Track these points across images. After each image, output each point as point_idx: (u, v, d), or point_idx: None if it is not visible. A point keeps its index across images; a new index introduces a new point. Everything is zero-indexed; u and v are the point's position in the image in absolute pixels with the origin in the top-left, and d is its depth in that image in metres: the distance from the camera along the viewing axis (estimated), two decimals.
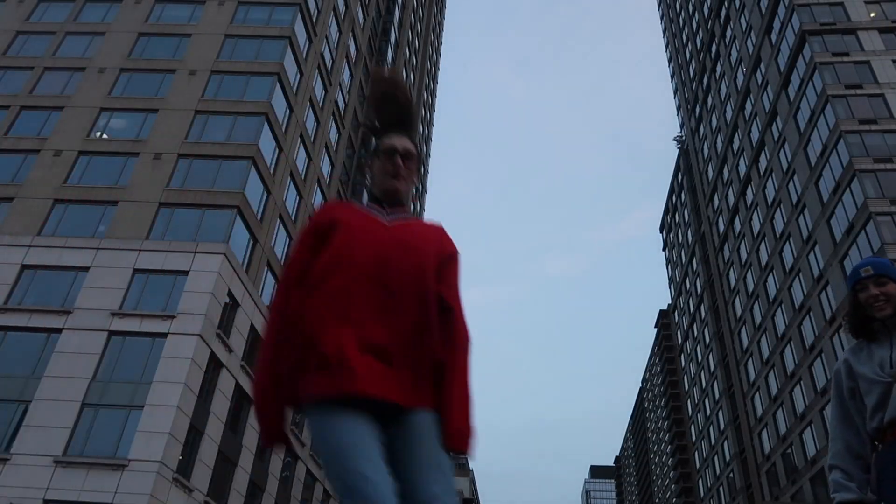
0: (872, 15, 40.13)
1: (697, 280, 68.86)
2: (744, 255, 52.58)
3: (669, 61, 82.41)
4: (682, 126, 76.67)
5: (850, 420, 2.59)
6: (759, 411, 48.45)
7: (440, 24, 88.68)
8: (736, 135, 54.21)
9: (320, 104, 37.99)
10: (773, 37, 44.92)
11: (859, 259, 32.87)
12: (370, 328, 1.93)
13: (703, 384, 66.67)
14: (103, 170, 28.28)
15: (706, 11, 63.39)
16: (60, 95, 31.05)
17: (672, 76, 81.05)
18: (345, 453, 1.74)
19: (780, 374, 44.08)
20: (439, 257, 2.15)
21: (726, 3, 56.30)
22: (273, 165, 30.75)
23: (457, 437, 1.90)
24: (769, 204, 46.18)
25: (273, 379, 1.98)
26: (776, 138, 44.71)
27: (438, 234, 2.25)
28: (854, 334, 2.66)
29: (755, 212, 49.52)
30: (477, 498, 69.67)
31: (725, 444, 57.90)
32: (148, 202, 27.09)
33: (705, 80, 63.94)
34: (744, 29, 51.51)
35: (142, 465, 20.13)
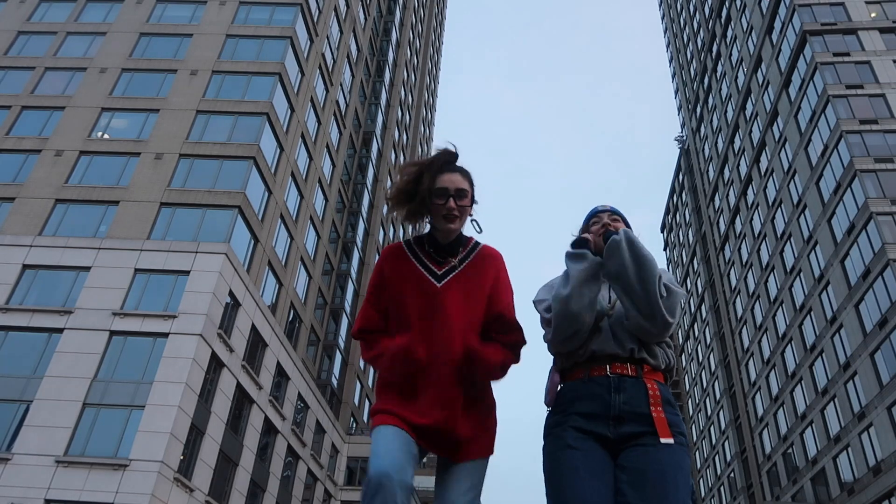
0: (873, 15, 40.10)
1: (698, 280, 68.83)
2: (745, 255, 52.55)
3: (671, 62, 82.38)
4: (682, 126, 76.65)
5: None
6: (760, 411, 48.42)
7: (441, 25, 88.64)
8: (737, 135, 54.18)
9: (321, 104, 38.01)
10: (774, 37, 44.89)
11: (860, 259, 32.90)
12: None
13: (704, 384, 66.67)
14: (104, 170, 28.30)
15: (707, 12, 63.37)
16: (62, 95, 31.07)
17: (673, 76, 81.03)
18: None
19: (781, 373, 44.05)
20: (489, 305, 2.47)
21: (727, 4, 56.27)
22: (274, 165, 30.76)
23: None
24: (770, 204, 46.15)
25: None
26: (777, 138, 44.68)
27: (492, 274, 2.50)
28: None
29: (756, 212, 49.50)
30: None
31: (726, 443, 57.88)
32: (149, 202, 27.10)
33: (706, 80, 63.92)
34: (745, 29, 51.49)
35: (143, 465, 20.14)
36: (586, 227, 2.69)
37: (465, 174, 2.48)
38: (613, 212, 2.70)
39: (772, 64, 45.13)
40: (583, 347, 2.42)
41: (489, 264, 2.48)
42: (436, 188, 2.40)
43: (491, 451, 2.43)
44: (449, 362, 2.33)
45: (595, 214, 2.70)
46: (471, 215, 2.51)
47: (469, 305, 2.41)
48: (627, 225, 2.70)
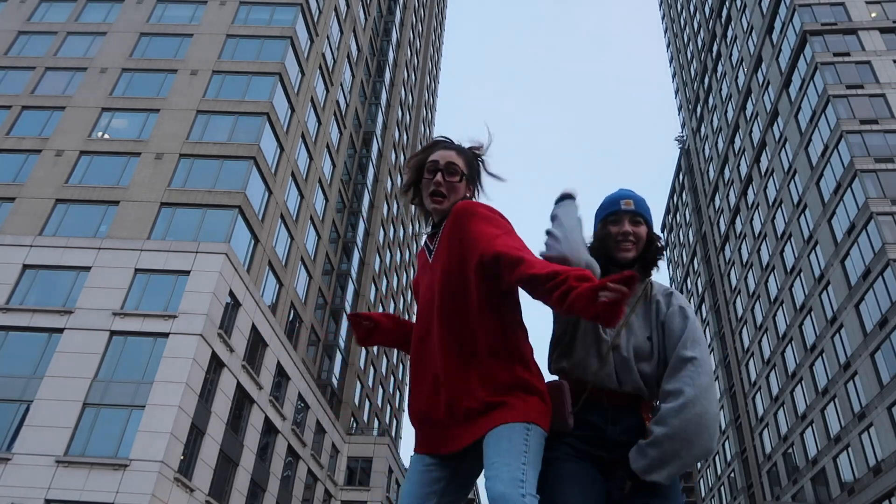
0: (873, 15, 40.08)
1: (699, 280, 68.83)
2: (745, 255, 52.54)
3: (671, 62, 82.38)
4: (683, 126, 76.65)
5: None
6: (761, 411, 48.42)
7: (441, 25, 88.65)
8: (737, 135, 54.17)
9: (321, 104, 38.00)
10: (775, 37, 44.88)
11: (860, 259, 32.87)
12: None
13: None
14: (105, 170, 28.31)
15: (707, 12, 63.36)
16: (62, 95, 31.08)
17: (673, 76, 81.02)
18: None
19: (781, 373, 44.05)
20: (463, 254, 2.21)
21: (727, 4, 56.26)
22: (274, 165, 30.77)
23: None
24: (770, 204, 46.14)
25: None
26: (777, 138, 44.67)
27: (461, 220, 2.22)
28: None
29: (756, 212, 49.49)
30: (479, 498, 69.92)
31: (727, 443, 57.88)
32: (149, 202, 27.11)
33: (706, 80, 63.91)
34: (745, 29, 51.48)
35: (143, 464, 20.15)
36: (603, 224, 2.44)
37: (461, 151, 2.36)
38: (639, 210, 2.40)
39: (772, 64, 45.12)
40: (583, 369, 2.33)
41: (456, 214, 2.26)
42: (428, 161, 2.35)
43: (525, 416, 2.04)
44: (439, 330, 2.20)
45: (614, 213, 2.41)
46: (467, 196, 2.36)
47: (452, 255, 2.25)
48: (649, 225, 2.42)
